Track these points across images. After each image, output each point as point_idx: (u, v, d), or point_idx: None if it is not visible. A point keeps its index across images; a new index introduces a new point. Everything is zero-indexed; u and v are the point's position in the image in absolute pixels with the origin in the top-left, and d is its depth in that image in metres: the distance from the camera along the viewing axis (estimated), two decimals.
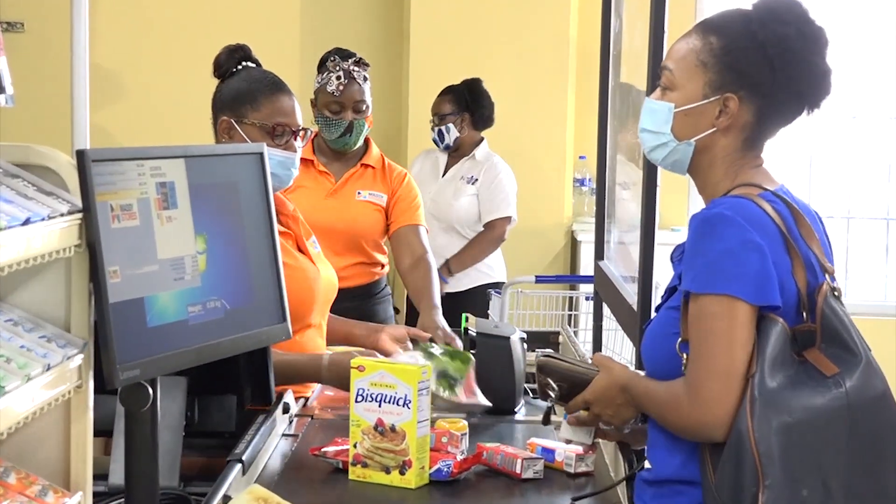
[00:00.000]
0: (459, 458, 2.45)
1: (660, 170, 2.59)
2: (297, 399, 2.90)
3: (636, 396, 2.11)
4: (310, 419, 2.86)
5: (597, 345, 3.88)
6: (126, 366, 1.85)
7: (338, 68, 4.06)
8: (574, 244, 6.45)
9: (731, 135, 2.11)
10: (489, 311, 5.44)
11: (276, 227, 2.32)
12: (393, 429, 2.37)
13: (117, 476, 2.19)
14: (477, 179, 5.52)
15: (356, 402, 2.41)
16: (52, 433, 1.87)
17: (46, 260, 1.75)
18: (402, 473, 2.37)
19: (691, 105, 2.11)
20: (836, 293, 1.98)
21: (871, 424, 1.94)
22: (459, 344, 3.27)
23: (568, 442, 2.35)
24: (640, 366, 2.24)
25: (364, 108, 4.07)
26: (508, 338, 2.96)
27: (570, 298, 5.89)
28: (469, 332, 2.94)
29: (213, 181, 2.16)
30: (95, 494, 2.00)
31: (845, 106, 6.64)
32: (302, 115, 3.06)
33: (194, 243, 2.04)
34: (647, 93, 2.39)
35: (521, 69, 6.33)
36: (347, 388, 2.47)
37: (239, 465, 2.28)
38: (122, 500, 2.04)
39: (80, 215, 1.82)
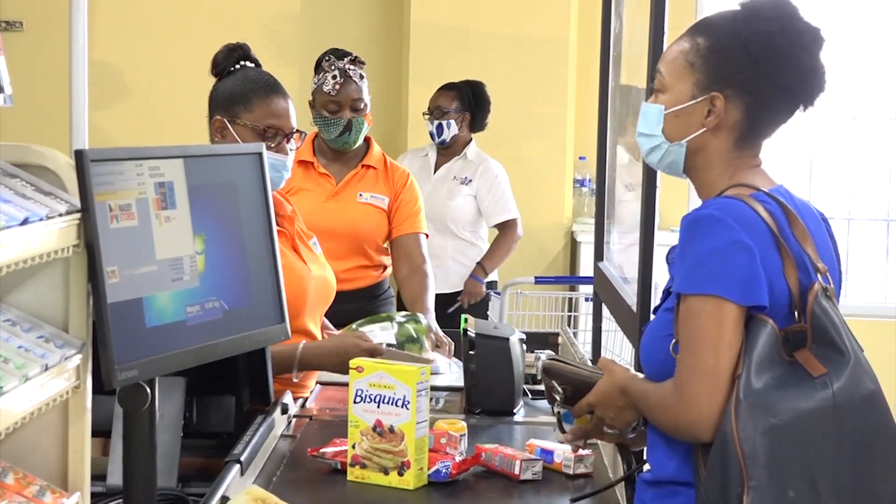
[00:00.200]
0: (458, 459, 2.44)
1: (659, 171, 2.59)
2: (295, 400, 2.90)
3: (633, 398, 2.12)
4: (308, 420, 2.85)
5: (596, 346, 3.87)
6: (124, 366, 1.85)
7: (333, 68, 4.06)
8: (574, 245, 6.45)
9: (722, 134, 2.11)
10: (488, 312, 5.44)
11: (275, 227, 2.32)
12: (391, 430, 2.37)
13: (115, 477, 2.19)
14: (471, 180, 5.52)
15: (355, 402, 2.40)
16: (50, 434, 1.87)
17: (44, 260, 1.74)
18: (400, 474, 2.36)
19: (680, 106, 2.12)
20: (827, 293, 1.98)
21: (860, 425, 1.94)
22: (448, 348, 3.37)
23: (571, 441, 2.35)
24: (639, 368, 2.24)
25: (362, 106, 4.06)
26: (507, 339, 2.96)
27: (570, 299, 5.89)
28: (468, 333, 2.94)
29: (212, 181, 2.15)
30: (93, 495, 2.00)
31: (846, 107, 6.64)
32: (298, 116, 3.06)
33: (193, 243, 2.04)
34: (646, 94, 2.39)
35: (521, 69, 6.33)
36: (324, 367, 2.57)
37: (237, 466, 2.28)
38: (121, 500, 2.04)
39: (78, 215, 1.82)
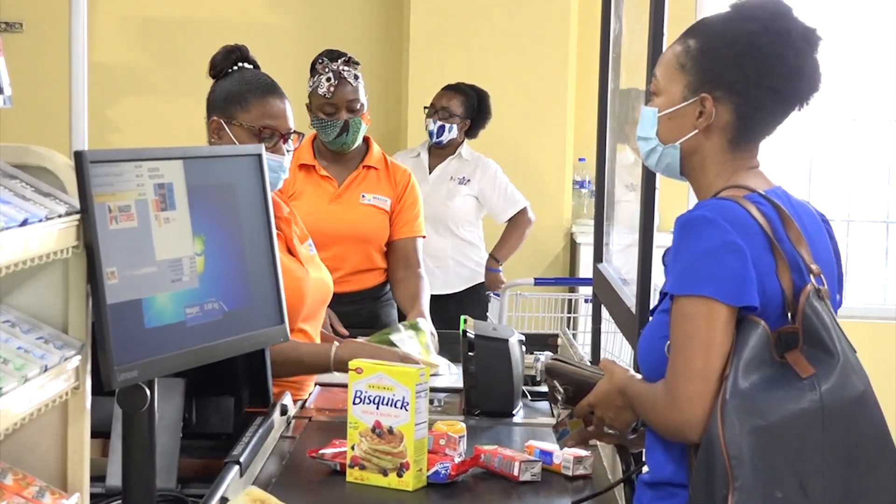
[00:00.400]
0: (457, 460, 2.44)
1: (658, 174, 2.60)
2: (294, 401, 2.90)
3: (630, 399, 2.12)
4: (307, 421, 2.85)
5: (595, 348, 3.88)
6: (124, 367, 1.85)
7: (327, 70, 4.05)
8: (573, 246, 6.45)
9: (714, 136, 2.12)
10: (488, 314, 5.44)
11: (274, 228, 2.32)
12: (391, 431, 2.37)
13: (115, 477, 2.19)
14: (469, 180, 5.52)
15: (354, 404, 2.40)
16: (50, 434, 1.87)
17: (44, 261, 1.75)
18: (399, 476, 2.36)
19: (673, 108, 2.14)
20: (820, 294, 1.98)
21: (849, 426, 1.94)
22: (434, 346, 3.41)
23: (573, 446, 2.35)
24: (638, 369, 2.25)
25: (358, 106, 4.05)
26: (507, 340, 2.96)
27: (570, 301, 5.89)
28: (467, 334, 2.94)
29: (212, 182, 2.16)
30: (93, 496, 2.00)
31: (845, 108, 6.64)
32: (296, 118, 3.06)
33: (192, 245, 2.04)
34: (645, 97, 2.40)
35: (520, 70, 6.33)
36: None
37: (236, 467, 2.28)
38: (120, 501, 2.04)
39: (77, 216, 1.82)
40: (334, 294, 3.27)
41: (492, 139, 5.69)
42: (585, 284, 5.21)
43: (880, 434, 1.97)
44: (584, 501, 2.34)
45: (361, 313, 3.90)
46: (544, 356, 3.18)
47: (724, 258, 1.96)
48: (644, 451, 2.22)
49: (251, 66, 3.07)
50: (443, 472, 2.39)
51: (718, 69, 2.09)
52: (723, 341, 1.95)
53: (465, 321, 2.98)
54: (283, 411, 2.75)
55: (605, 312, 3.66)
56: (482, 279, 5.55)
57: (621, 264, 3.51)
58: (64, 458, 1.87)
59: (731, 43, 2.08)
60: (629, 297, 3.00)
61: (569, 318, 5.81)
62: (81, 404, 1.88)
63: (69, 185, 1.85)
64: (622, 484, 2.34)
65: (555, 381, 2.31)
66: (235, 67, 3.05)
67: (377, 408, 2.38)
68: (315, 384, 3.15)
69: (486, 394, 2.92)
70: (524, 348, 3.04)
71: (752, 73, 2.07)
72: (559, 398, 2.31)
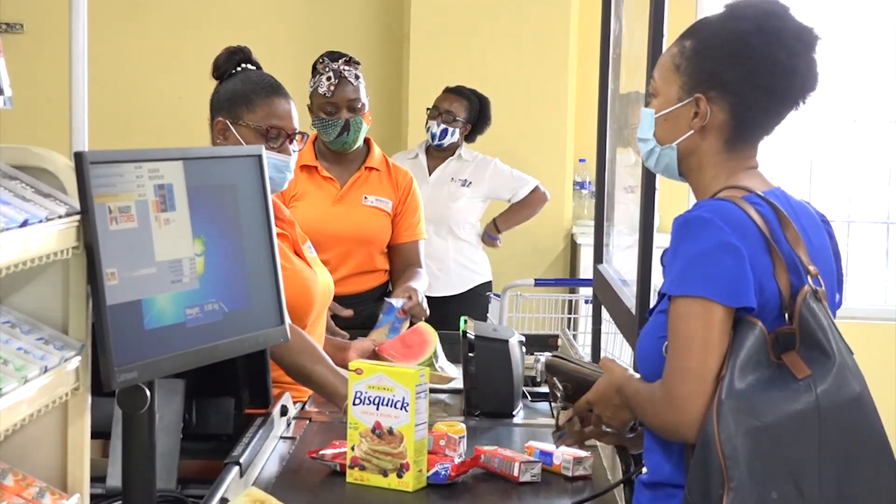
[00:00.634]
0: (457, 461, 2.44)
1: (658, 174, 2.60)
2: (294, 402, 2.90)
3: (628, 397, 2.13)
4: (308, 422, 2.85)
5: (595, 348, 3.88)
6: (123, 368, 1.85)
7: (328, 70, 4.06)
8: (574, 247, 6.45)
9: (710, 136, 2.13)
10: (488, 315, 5.44)
11: (275, 229, 2.32)
12: (391, 431, 2.37)
13: (115, 478, 2.19)
14: (471, 182, 5.53)
15: (354, 404, 2.41)
16: (50, 435, 1.87)
17: (44, 262, 1.75)
18: (399, 476, 2.37)
19: (668, 109, 2.15)
20: (817, 295, 1.98)
21: (845, 427, 1.94)
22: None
23: (571, 445, 2.35)
24: (637, 369, 2.25)
25: (359, 105, 4.06)
26: (507, 341, 2.96)
27: (570, 302, 5.89)
28: (468, 334, 2.94)
29: (212, 183, 2.16)
30: (93, 497, 2.00)
31: (846, 109, 6.64)
32: (301, 118, 3.06)
33: (192, 245, 2.04)
34: (645, 97, 2.41)
35: (521, 71, 6.33)
36: None
37: (236, 468, 2.28)
38: (120, 502, 2.04)
39: (77, 217, 1.82)
40: (335, 295, 3.28)
41: (492, 140, 5.69)
42: (586, 285, 5.21)
43: (876, 435, 1.97)
44: (584, 502, 2.34)
45: (362, 315, 3.90)
46: (544, 357, 3.19)
47: (721, 259, 1.96)
48: (643, 451, 2.22)
49: (254, 68, 3.08)
50: (443, 472, 2.39)
51: (712, 69, 2.10)
52: (719, 342, 1.95)
53: (466, 322, 2.99)
54: (284, 412, 2.75)
55: (605, 313, 3.66)
56: (483, 280, 5.56)
57: (621, 265, 3.52)
58: (64, 459, 1.87)
59: (723, 43, 2.09)
60: (629, 297, 3.00)
61: (569, 319, 5.80)
62: (81, 405, 1.88)
63: (69, 186, 1.85)
64: (622, 485, 2.34)
65: (554, 379, 2.32)
66: (239, 68, 3.05)
67: (377, 408, 2.38)
68: None
69: (487, 394, 2.92)
70: (524, 349, 3.04)
71: (746, 73, 2.08)
72: (558, 395, 2.31)
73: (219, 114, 3.00)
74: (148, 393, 1.93)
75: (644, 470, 2.17)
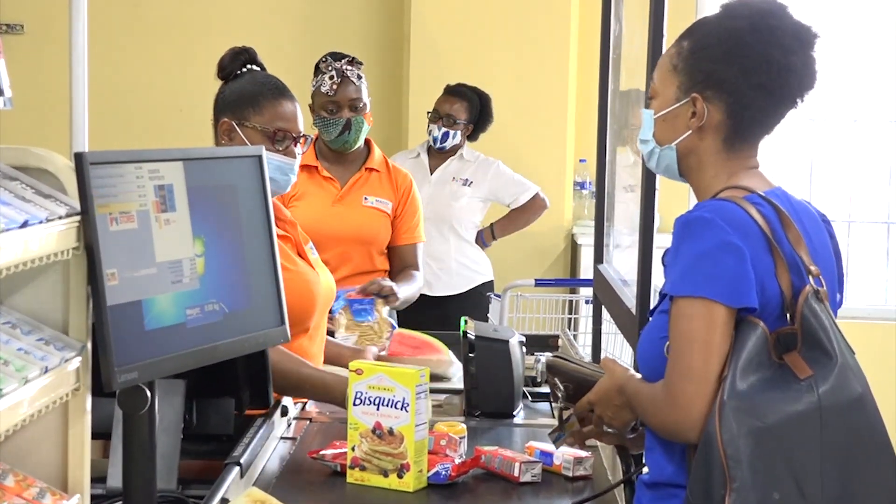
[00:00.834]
0: (458, 461, 2.44)
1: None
2: (295, 402, 2.90)
3: (629, 397, 2.13)
4: (308, 422, 2.85)
5: (596, 349, 3.88)
6: (124, 368, 1.85)
7: (330, 69, 4.08)
8: (574, 247, 6.45)
9: (708, 136, 2.13)
10: (488, 315, 5.44)
11: (275, 229, 2.32)
12: (391, 432, 2.37)
13: (115, 479, 2.19)
14: (472, 182, 5.53)
15: (354, 405, 2.41)
16: (50, 436, 1.87)
17: (44, 262, 1.75)
18: (399, 477, 2.37)
19: (667, 110, 2.16)
20: (819, 296, 1.98)
21: (846, 427, 1.94)
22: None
23: (571, 445, 2.36)
24: (638, 369, 2.25)
25: (361, 105, 4.07)
26: (507, 341, 2.96)
27: (570, 302, 5.89)
28: (468, 335, 2.94)
29: (212, 184, 2.16)
30: (93, 497, 2.00)
31: (846, 109, 6.64)
32: (304, 121, 3.06)
33: (192, 246, 2.04)
34: (645, 98, 2.41)
35: (521, 71, 6.33)
36: None
37: (237, 468, 2.28)
38: (120, 502, 2.04)
39: (78, 218, 1.82)
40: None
41: (492, 140, 5.69)
42: (586, 285, 5.21)
43: (878, 436, 1.97)
44: (585, 502, 2.34)
45: None
46: (545, 357, 3.19)
47: (722, 259, 1.96)
48: (643, 451, 2.22)
49: (259, 69, 3.08)
50: (443, 472, 2.39)
51: (707, 68, 2.10)
52: (721, 342, 1.95)
53: (466, 322, 2.99)
54: (284, 412, 2.75)
55: (605, 313, 3.66)
56: (484, 280, 5.57)
57: (621, 265, 3.52)
58: (64, 460, 1.87)
59: (719, 42, 2.10)
60: (629, 298, 3.00)
61: (569, 319, 5.80)
62: (82, 406, 1.88)
63: (69, 187, 1.85)
64: (622, 485, 2.34)
65: (555, 379, 2.32)
66: (245, 69, 3.05)
67: (377, 409, 2.38)
68: None
69: (487, 395, 2.93)
70: (525, 349, 3.04)
71: (741, 71, 2.08)
72: (559, 395, 2.31)
73: (224, 114, 3.00)
74: (148, 393, 1.93)
75: (645, 470, 2.17)
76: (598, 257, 3.80)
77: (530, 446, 2.52)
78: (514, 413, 2.95)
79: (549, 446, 2.49)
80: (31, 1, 6.38)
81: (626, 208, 3.51)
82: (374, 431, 2.38)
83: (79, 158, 1.83)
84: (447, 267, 5.48)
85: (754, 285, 1.96)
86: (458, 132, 5.48)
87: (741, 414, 1.91)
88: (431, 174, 5.54)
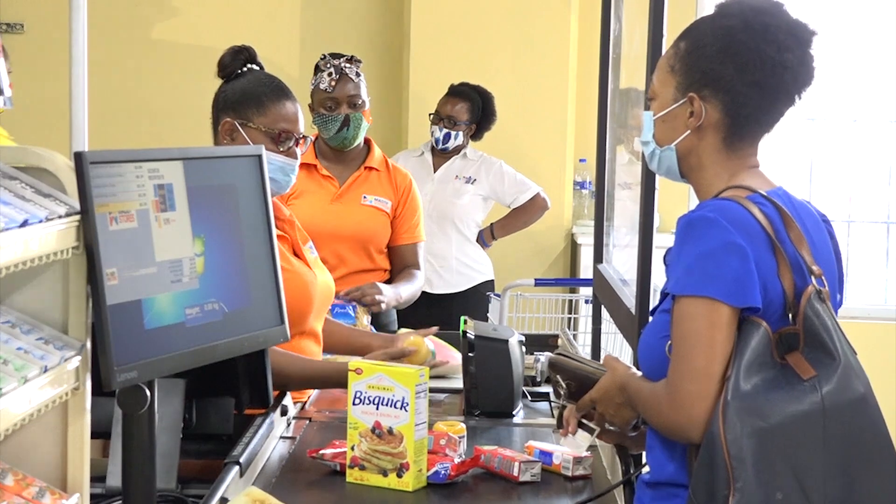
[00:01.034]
0: (457, 460, 2.45)
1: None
2: (294, 402, 2.90)
3: (631, 396, 2.13)
4: (308, 421, 2.86)
5: (595, 348, 3.88)
6: (123, 368, 1.85)
7: (329, 66, 4.10)
8: (574, 247, 6.45)
9: (707, 135, 2.14)
10: (488, 314, 5.45)
11: (274, 229, 2.32)
12: (390, 431, 2.37)
13: (115, 478, 2.20)
14: (475, 180, 5.54)
15: (354, 404, 2.41)
16: (50, 435, 1.87)
17: (44, 262, 1.75)
18: (399, 476, 2.37)
19: (665, 110, 2.17)
20: (821, 296, 1.98)
21: (849, 428, 1.94)
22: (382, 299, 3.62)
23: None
24: (639, 368, 2.25)
25: (359, 102, 4.08)
26: (507, 341, 2.96)
27: (570, 301, 5.89)
28: (468, 334, 2.94)
29: (212, 183, 2.16)
30: (93, 496, 2.00)
31: (846, 109, 6.64)
32: (304, 121, 3.07)
33: (192, 245, 2.04)
34: (645, 100, 2.41)
35: (521, 71, 6.33)
36: None
37: (236, 468, 2.28)
38: (120, 502, 2.04)
39: (77, 217, 1.82)
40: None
41: (493, 140, 5.69)
42: (586, 285, 5.21)
43: (880, 436, 1.97)
44: (586, 503, 2.34)
45: None
46: (544, 357, 3.19)
47: (726, 259, 1.96)
48: (644, 451, 2.22)
49: (258, 68, 3.08)
50: (443, 472, 2.39)
51: (703, 68, 2.11)
52: (724, 342, 1.95)
53: (466, 322, 2.99)
54: (283, 412, 2.76)
55: (605, 313, 3.66)
56: (484, 279, 5.57)
57: (621, 265, 3.52)
58: (64, 459, 1.87)
59: (713, 41, 2.11)
60: (629, 297, 3.00)
61: (569, 319, 5.80)
62: (81, 405, 1.88)
63: (69, 186, 1.85)
64: (622, 485, 2.34)
65: (557, 376, 2.32)
66: (245, 68, 3.05)
67: (377, 408, 2.38)
68: None
69: (487, 394, 2.93)
70: (524, 349, 3.04)
71: (735, 70, 2.09)
72: (561, 393, 2.31)
73: (225, 114, 2.99)
74: (148, 393, 1.93)
75: (646, 469, 2.17)
76: (598, 257, 3.80)
77: (530, 446, 2.52)
78: (514, 413, 2.95)
79: (548, 446, 2.50)
80: (31, 0, 6.38)
81: (624, 207, 3.51)
82: (373, 431, 2.38)
83: (78, 158, 1.83)
84: (448, 265, 5.49)
85: (758, 285, 1.96)
86: (461, 133, 5.50)
87: (745, 414, 1.91)
88: (435, 172, 5.55)
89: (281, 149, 2.96)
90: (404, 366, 2.48)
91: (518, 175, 5.62)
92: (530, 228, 5.86)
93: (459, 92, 5.55)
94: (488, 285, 5.57)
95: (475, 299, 5.47)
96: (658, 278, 2.60)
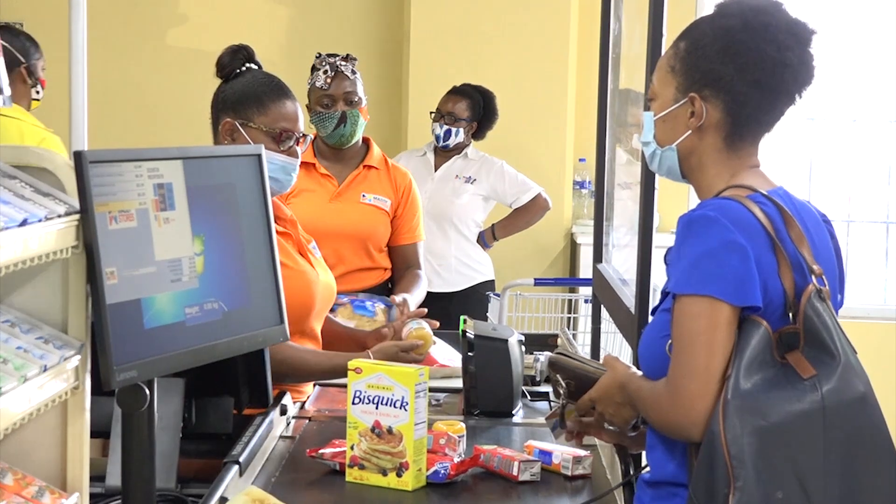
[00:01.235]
0: (457, 460, 2.45)
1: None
2: (294, 401, 2.90)
3: (631, 395, 2.13)
4: (307, 421, 2.85)
5: (595, 348, 3.88)
6: (123, 367, 1.85)
7: (324, 64, 4.11)
8: (573, 247, 6.45)
9: (708, 135, 2.14)
10: (488, 314, 5.45)
11: (274, 228, 2.32)
12: (390, 431, 2.37)
13: (114, 477, 2.20)
14: (475, 179, 5.55)
15: (353, 404, 2.41)
16: (49, 434, 1.87)
17: (44, 261, 1.75)
18: (398, 475, 2.37)
19: (666, 111, 2.17)
20: (822, 295, 1.98)
21: (849, 427, 1.94)
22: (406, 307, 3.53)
23: (568, 440, 2.36)
24: (639, 368, 2.25)
25: (356, 98, 4.08)
26: (506, 340, 2.96)
27: (570, 301, 5.89)
28: (467, 334, 2.94)
29: (211, 182, 2.16)
30: (92, 496, 2.00)
31: (845, 109, 6.64)
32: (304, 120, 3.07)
33: (192, 245, 2.04)
34: (645, 100, 2.42)
35: (521, 71, 6.33)
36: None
37: (236, 467, 2.28)
38: (119, 501, 2.04)
39: (77, 216, 1.82)
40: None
41: (492, 139, 5.69)
42: (585, 285, 5.21)
43: (880, 435, 1.97)
44: None
45: None
46: (544, 356, 3.19)
47: (727, 258, 1.96)
48: (644, 450, 2.22)
49: (257, 67, 3.07)
50: (442, 471, 2.39)
51: (703, 68, 2.11)
52: (725, 341, 1.95)
53: (465, 321, 2.99)
54: (283, 411, 2.76)
55: (604, 313, 3.66)
56: (483, 278, 5.57)
57: (621, 264, 3.51)
58: (63, 458, 1.87)
59: (713, 41, 2.11)
60: (629, 297, 3.00)
61: (569, 319, 5.81)
62: (81, 404, 1.88)
63: (69, 185, 1.85)
64: (621, 486, 2.34)
65: (557, 375, 2.32)
66: (244, 68, 3.04)
67: (376, 408, 2.38)
68: (314, 384, 3.16)
69: (486, 394, 2.93)
70: (524, 348, 3.04)
71: (736, 69, 2.09)
72: (561, 392, 2.31)
73: (225, 114, 2.99)
74: (147, 392, 1.93)
75: (646, 469, 2.17)
76: (598, 256, 3.79)
77: (529, 445, 2.52)
78: (513, 412, 2.95)
79: (548, 445, 2.50)
80: None
81: (624, 207, 3.51)
82: (373, 430, 2.38)
83: (78, 157, 1.83)
84: (447, 264, 5.49)
85: (758, 284, 1.96)
86: (461, 130, 5.50)
87: (745, 413, 1.91)
88: (436, 171, 5.56)
89: (282, 148, 2.96)
90: (404, 365, 2.48)
91: (519, 175, 5.62)
92: (530, 228, 5.86)
93: (460, 90, 5.57)
94: (488, 285, 5.57)
95: (474, 299, 5.47)
96: (658, 278, 2.60)
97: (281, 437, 2.70)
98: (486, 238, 5.66)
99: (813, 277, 1.99)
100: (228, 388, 2.53)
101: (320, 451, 2.49)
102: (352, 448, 2.41)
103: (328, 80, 4.07)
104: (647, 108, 2.23)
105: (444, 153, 5.59)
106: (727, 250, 1.96)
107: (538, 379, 3.18)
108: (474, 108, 5.53)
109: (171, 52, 6.56)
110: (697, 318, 1.96)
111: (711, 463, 1.92)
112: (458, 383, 3.09)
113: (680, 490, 2.04)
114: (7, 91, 1.75)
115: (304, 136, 3.02)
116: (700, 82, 2.11)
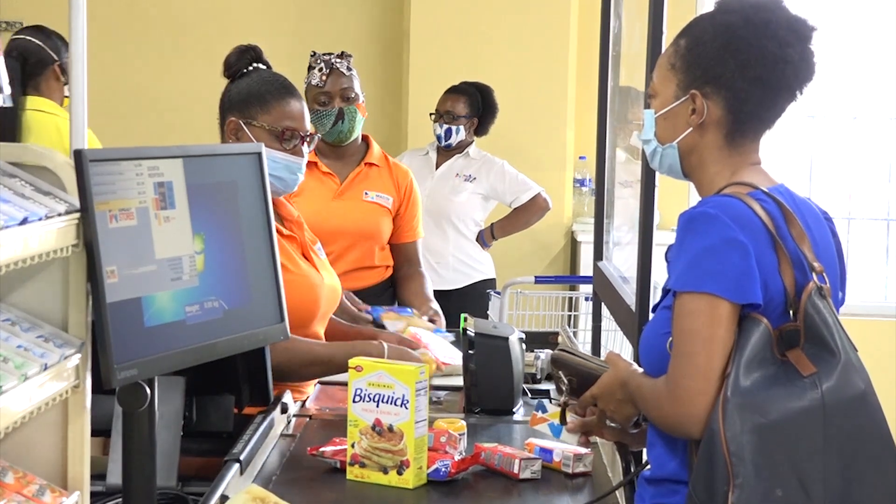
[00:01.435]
0: (457, 458, 2.45)
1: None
2: (294, 399, 2.90)
3: (632, 392, 2.13)
4: (308, 419, 2.86)
5: (596, 346, 3.88)
6: (123, 365, 1.85)
7: (319, 62, 4.12)
8: (574, 245, 6.46)
9: (709, 132, 2.14)
10: (488, 312, 5.45)
11: (274, 227, 2.32)
12: (391, 429, 2.37)
13: (115, 476, 2.20)
14: (475, 178, 5.55)
15: (354, 402, 2.41)
16: (50, 433, 1.87)
17: (44, 260, 1.75)
18: (399, 473, 2.37)
19: (667, 108, 2.17)
20: (822, 292, 1.98)
21: (849, 424, 1.94)
22: (443, 321, 3.57)
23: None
24: (639, 365, 2.25)
25: (352, 95, 4.08)
26: (507, 338, 2.96)
27: (570, 299, 5.89)
28: (468, 332, 2.94)
29: (211, 181, 2.16)
30: (93, 494, 2.00)
31: (846, 106, 6.64)
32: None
33: (192, 243, 2.04)
34: (645, 98, 2.42)
35: (521, 69, 6.33)
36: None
37: (237, 465, 2.28)
38: (120, 499, 2.04)
39: (77, 215, 1.82)
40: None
41: (493, 138, 5.70)
42: (586, 282, 5.21)
43: (881, 433, 1.97)
44: None
45: None
46: (545, 354, 3.19)
47: (727, 255, 1.96)
48: (645, 447, 2.22)
49: (265, 67, 3.07)
50: (443, 469, 2.39)
51: (704, 64, 2.11)
52: (725, 338, 1.95)
53: (465, 319, 2.99)
54: (284, 409, 2.76)
55: (605, 310, 3.66)
56: (483, 277, 5.57)
57: (621, 262, 3.52)
58: (64, 457, 1.87)
59: (713, 38, 2.11)
60: (629, 294, 3.00)
61: (569, 316, 5.81)
62: (81, 403, 1.88)
63: (69, 184, 1.85)
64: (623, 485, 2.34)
65: (560, 372, 2.32)
66: (251, 67, 3.04)
67: (377, 406, 2.38)
68: (315, 382, 3.16)
69: (487, 391, 2.93)
70: (524, 346, 3.04)
71: (737, 66, 2.09)
72: (563, 389, 2.32)
73: (231, 114, 2.99)
74: (148, 390, 1.93)
75: (646, 466, 2.17)
76: (598, 254, 3.80)
77: (530, 443, 2.52)
78: (514, 410, 2.94)
79: (548, 443, 2.49)
80: None
81: (624, 204, 3.52)
82: (373, 428, 2.38)
83: (78, 156, 1.83)
84: (444, 262, 5.49)
85: (758, 282, 1.96)
86: (461, 128, 5.50)
87: (744, 411, 1.91)
88: (437, 170, 5.56)
89: (286, 147, 2.95)
90: (405, 363, 2.48)
91: (520, 175, 5.62)
92: (530, 227, 5.86)
93: (456, 88, 5.58)
94: (488, 283, 5.56)
95: (475, 297, 5.47)
96: (658, 275, 2.60)
97: (282, 435, 2.70)
98: (485, 237, 5.66)
99: (814, 275, 1.99)
100: (229, 387, 2.53)
101: (321, 450, 2.49)
102: (352, 446, 2.41)
103: (323, 78, 4.08)
104: (647, 106, 2.23)
105: (446, 152, 5.60)
106: (727, 247, 1.96)
107: (539, 377, 3.18)
108: (472, 105, 5.53)
109: (172, 52, 6.55)
110: (697, 315, 1.96)
111: (711, 460, 1.92)
112: (458, 381, 3.09)
113: (680, 487, 2.04)
114: (7, 90, 1.75)
115: (311, 135, 3.01)
116: (701, 79, 2.12)
